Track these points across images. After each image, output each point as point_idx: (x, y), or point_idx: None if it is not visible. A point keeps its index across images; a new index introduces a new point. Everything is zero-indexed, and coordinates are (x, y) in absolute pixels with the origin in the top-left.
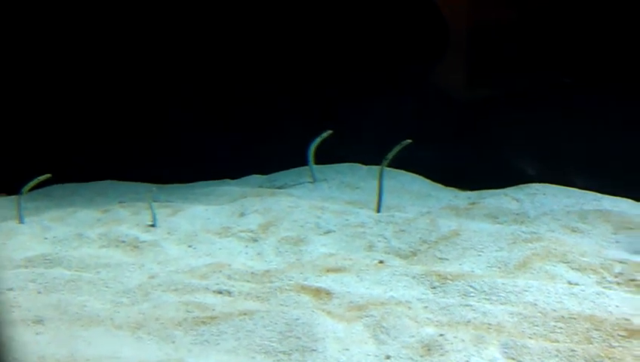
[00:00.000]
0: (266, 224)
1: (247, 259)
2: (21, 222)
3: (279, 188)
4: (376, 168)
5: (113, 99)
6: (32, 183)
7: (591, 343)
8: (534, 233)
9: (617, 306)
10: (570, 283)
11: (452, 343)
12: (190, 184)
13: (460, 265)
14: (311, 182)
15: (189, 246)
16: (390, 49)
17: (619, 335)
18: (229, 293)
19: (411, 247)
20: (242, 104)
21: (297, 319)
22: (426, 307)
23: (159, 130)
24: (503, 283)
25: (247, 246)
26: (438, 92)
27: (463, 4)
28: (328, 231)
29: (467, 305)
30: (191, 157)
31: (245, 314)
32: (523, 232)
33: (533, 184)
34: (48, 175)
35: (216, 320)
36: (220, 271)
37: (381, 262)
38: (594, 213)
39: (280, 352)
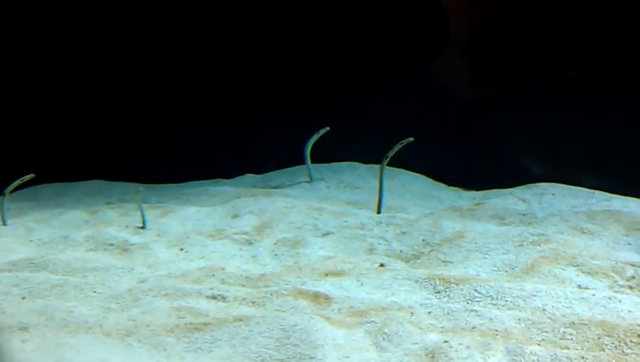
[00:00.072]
0: (261, 226)
1: (241, 263)
2: (4, 223)
3: (275, 188)
4: (376, 167)
5: (102, 97)
6: (15, 183)
7: (602, 350)
8: (542, 235)
9: (630, 311)
10: (580, 287)
11: (457, 350)
12: (181, 184)
13: (465, 268)
14: (308, 182)
15: (181, 249)
16: (392, 48)
17: (631, 341)
18: (223, 298)
19: (413, 250)
20: (241, 103)
21: (295, 325)
22: (429, 312)
23: (150, 128)
24: (510, 288)
25: (241, 248)
26: (442, 90)
27: (465, 2)
28: (327, 233)
29: (472, 311)
30: (184, 156)
31: (240, 320)
32: (530, 234)
33: (541, 183)
34: (32, 175)
35: (210, 326)
36: (213, 275)
37: (382, 265)
38: (604, 214)
39: (277, 360)
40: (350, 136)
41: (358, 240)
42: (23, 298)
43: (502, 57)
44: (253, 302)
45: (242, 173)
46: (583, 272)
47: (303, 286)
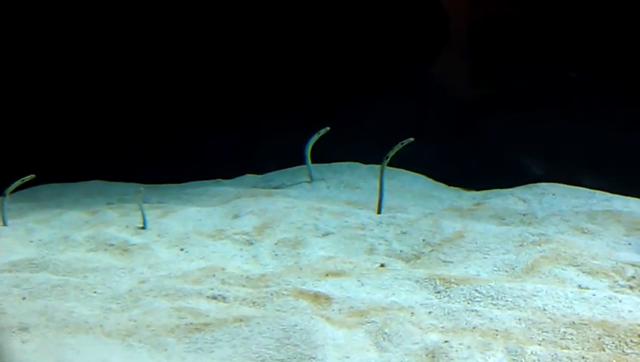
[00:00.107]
0: (262, 226)
1: (242, 263)
2: (4, 224)
3: (275, 188)
4: (376, 167)
5: (102, 97)
6: (15, 184)
7: (603, 350)
8: (543, 235)
9: (630, 311)
10: (580, 287)
11: (457, 350)
12: (182, 184)
13: (465, 268)
14: (308, 182)
15: (181, 250)
16: (392, 48)
17: (632, 341)
18: (224, 299)
19: (414, 250)
20: (241, 103)
21: (295, 325)
22: (429, 312)
23: (150, 128)
24: (511, 288)
25: (241, 249)
26: (442, 90)
27: (465, 2)
28: (327, 233)
29: (473, 311)
30: (184, 156)
31: (241, 320)
32: (531, 234)
33: (541, 183)
34: (32, 175)
35: (211, 326)
36: (214, 276)
37: (382, 265)
38: (604, 214)
39: (277, 360)
40: (350, 136)
41: (358, 241)
42: (24, 298)
43: (502, 57)
44: (254, 303)
45: (243, 173)
46: (584, 272)
47: (304, 287)
